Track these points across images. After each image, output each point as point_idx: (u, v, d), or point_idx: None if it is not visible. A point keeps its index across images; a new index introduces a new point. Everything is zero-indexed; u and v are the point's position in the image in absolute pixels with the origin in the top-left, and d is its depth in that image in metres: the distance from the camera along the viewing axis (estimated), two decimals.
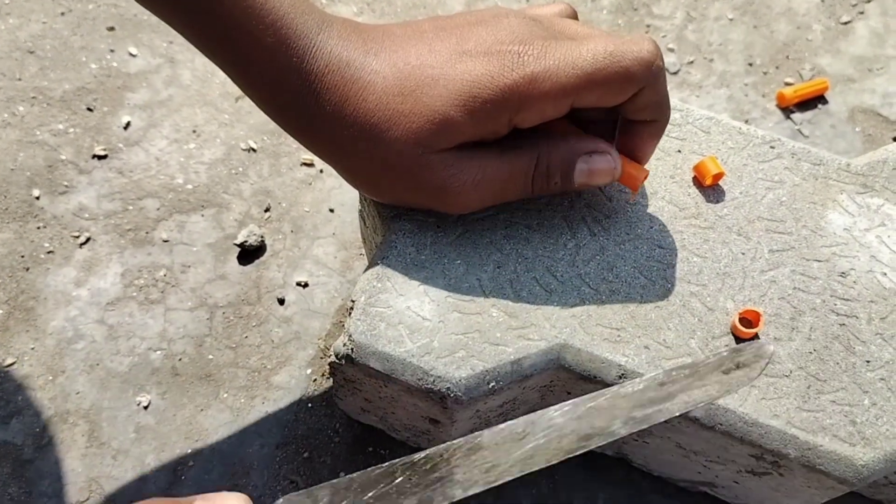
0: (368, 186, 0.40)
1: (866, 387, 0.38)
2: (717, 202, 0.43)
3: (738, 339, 0.39)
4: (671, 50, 0.68)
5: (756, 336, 0.39)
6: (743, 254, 0.42)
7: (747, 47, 0.68)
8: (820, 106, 0.65)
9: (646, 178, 0.39)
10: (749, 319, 0.39)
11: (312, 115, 0.36)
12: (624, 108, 0.38)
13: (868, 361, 0.39)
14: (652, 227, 0.42)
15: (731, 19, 0.69)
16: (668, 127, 0.45)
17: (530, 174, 0.38)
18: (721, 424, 0.38)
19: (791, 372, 0.39)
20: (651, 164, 0.43)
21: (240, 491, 0.48)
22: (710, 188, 0.43)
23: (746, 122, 0.64)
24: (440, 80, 0.35)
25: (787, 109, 0.65)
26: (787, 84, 0.66)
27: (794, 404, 0.38)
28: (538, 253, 0.41)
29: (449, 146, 0.36)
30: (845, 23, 0.70)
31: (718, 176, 0.43)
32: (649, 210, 0.42)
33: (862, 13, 0.70)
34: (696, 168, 0.43)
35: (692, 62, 0.67)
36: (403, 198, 0.39)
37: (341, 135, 0.36)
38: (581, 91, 0.35)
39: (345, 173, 0.40)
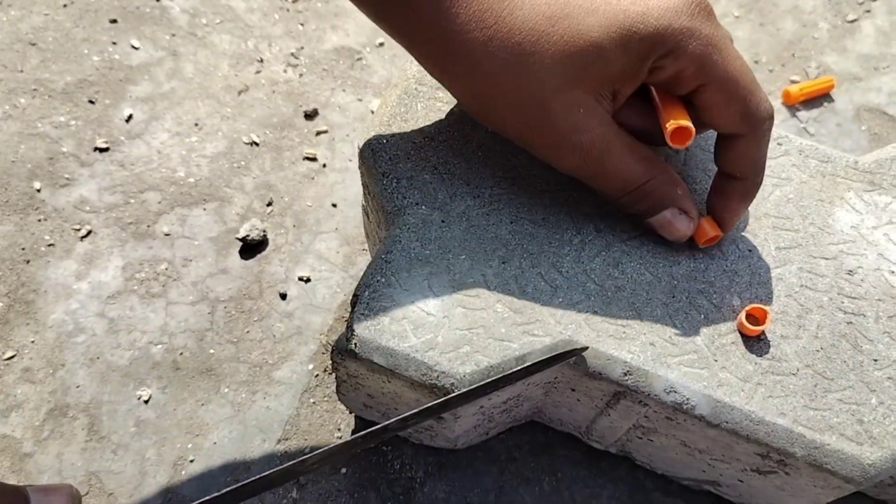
0: (486, 110, 0.36)
1: (874, 385, 0.38)
2: None
3: (745, 337, 0.39)
4: None
5: (763, 334, 0.39)
6: (750, 251, 0.41)
7: (753, 45, 0.68)
8: (826, 104, 0.65)
9: (716, 239, 0.40)
10: (756, 317, 0.39)
11: (446, 23, 0.33)
12: (723, 157, 0.38)
13: (875, 360, 0.39)
14: None
15: (736, 17, 0.69)
16: None
17: (633, 185, 0.37)
18: (727, 422, 0.37)
19: (798, 370, 0.38)
20: None
21: None
22: (705, 247, 0.41)
23: None
24: (599, 8, 0.33)
25: (792, 107, 0.65)
26: (793, 82, 0.66)
27: (800, 402, 0.37)
28: (543, 249, 0.40)
29: (592, 84, 0.34)
30: (852, 21, 0.69)
31: (714, 238, 0.40)
32: None
33: (868, 11, 0.70)
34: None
35: None
36: (514, 129, 0.36)
37: (479, 50, 0.33)
38: (719, 77, 0.34)
39: (466, 95, 0.36)
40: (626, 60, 0.34)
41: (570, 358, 0.37)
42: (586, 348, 0.37)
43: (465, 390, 0.35)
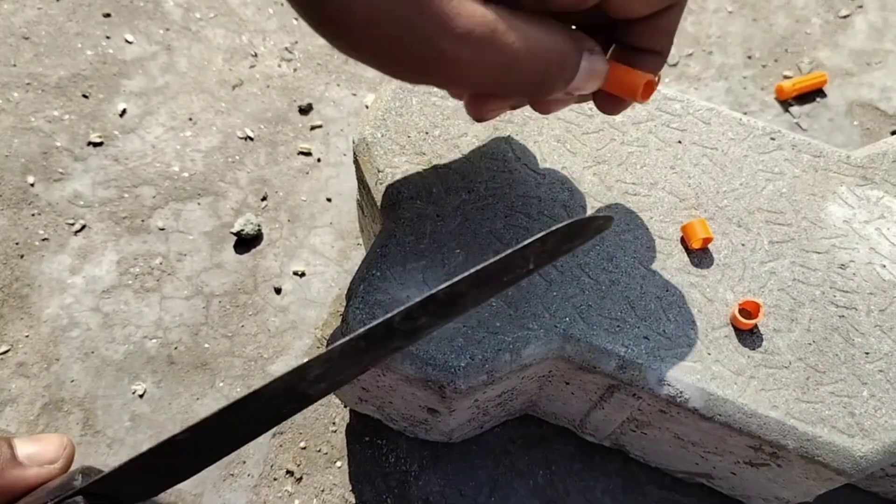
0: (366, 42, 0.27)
1: (865, 378, 0.38)
2: (718, 192, 0.43)
3: (738, 331, 0.39)
4: None
5: (756, 327, 0.39)
6: (743, 245, 0.41)
7: (746, 40, 0.68)
8: (818, 99, 0.65)
9: (652, 84, 0.33)
10: (749, 310, 0.39)
11: None
12: (641, 33, 0.32)
13: (867, 353, 0.39)
14: (651, 218, 0.42)
15: (730, 12, 0.69)
16: (669, 118, 0.45)
17: (553, 61, 0.29)
18: (720, 415, 0.37)
19: (790, 363, 0.38)
20: (651, 155, 0.43)
21: (236, 480, 0.48)
22: (697, 251, 0.41)
23: (745, 114, 0.64)
24: None
25: (785, 102, 0.65)
26: (786, 77, 0.66)
27: (793, 395, 0.38)
28: None
29: None
30: (844, 17, 0.69)
31: (707, 240, 0.40)
32: (649, 200, 0.42)
33: (861, 7, 0.70)
34: (685, 229, 0.41)
35: (691, 54, 0.67)
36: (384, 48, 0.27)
37: None
38: None
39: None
40: None
41: (592, 232, 0.30)
42: (610, 218, 0.30)
43: (473, 270, 0.27)
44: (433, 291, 0.27)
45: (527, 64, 0.29)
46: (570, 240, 0.30)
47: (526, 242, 0.28)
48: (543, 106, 0.34)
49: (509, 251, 0.28)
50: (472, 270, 0.27)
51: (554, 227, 0.29)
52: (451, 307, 0.28)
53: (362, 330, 0.26)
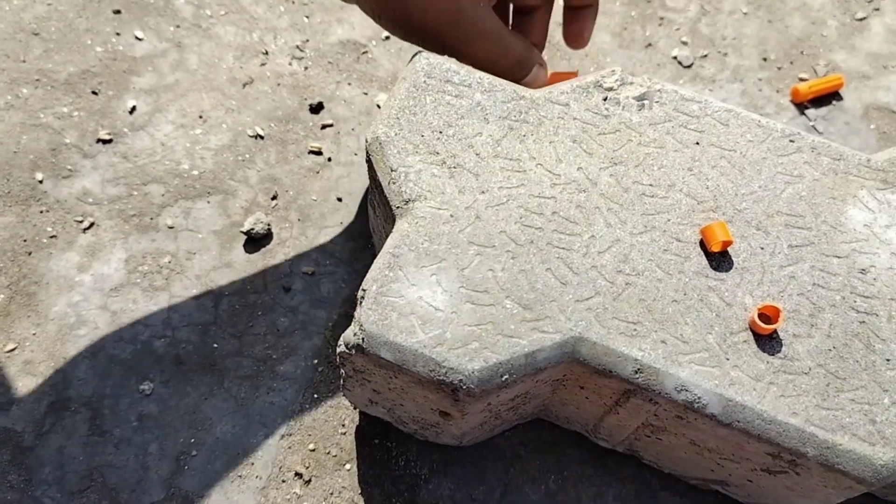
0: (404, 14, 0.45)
1: (886, 385, 0.38)
2: (736, 195, 0.42)
3: (757, 336, 0.38)
4: (684, 43, 0.67)
5: (775, 332, 0.38)
6: (762, 248, 0.41)
7: (761, 42, 0.67)
8: (834, 102, 0.65)
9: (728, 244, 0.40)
10: (768, 315, 0.38)
11: None
12: None
13: (888, 360, 0.38)
14: (669, 220, 0.41)
15: (745, 13, 0.69)
16: (686, 119, 0.44)
17: (520, 59, 0.47)
18: (738, 421, 0.37)
19: (810, 369, 0.38)
20: (668, 156, 0.43)
21: (244, 482, 0.47)
22: (716, 254, 0.40)
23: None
24: None
25: (801, 105, 0.64)
26: (802, 79, 0.66)
27: (812, 402, 0.37)
28: (553, 244, 0.40)
29: None
30: (860, 19, 0.69)
31: (727, 243, 0.40)
32: (666, 202, 0.42)
33: (877, 9, 0.69)
34: (704, 232, 0.40)
35: (706, 56, 0.66)
36: (432, 29, 0.45)
37: None
38: None
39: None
40: None
41: None
42: None
43: None
44: None
45: (509, 56, 0.46)
46: None
47: None
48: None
49: None
50: None
51: None
52: None
53: None
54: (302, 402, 0.51)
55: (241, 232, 0.55)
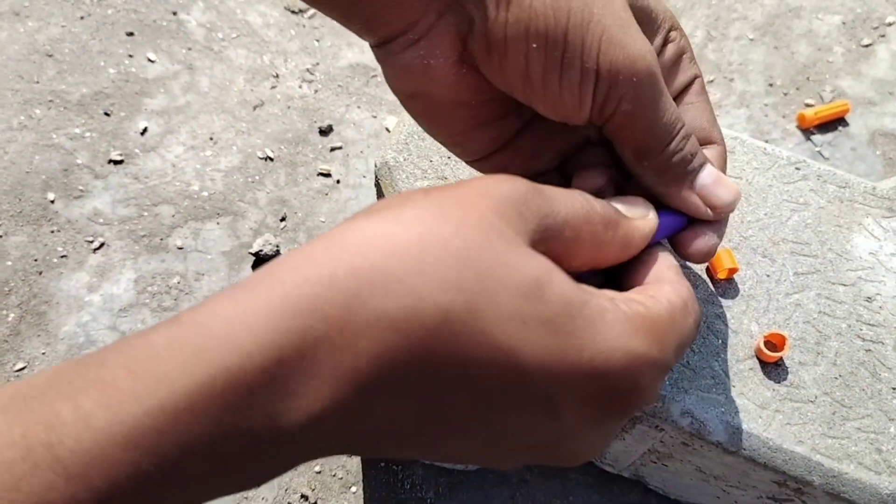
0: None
1: (892, 414, 0.38)
2: (742, 223, 0.42)
3: (763, 363, 0.38)
4: None
5: (781, 360, 0.38)
6: (768, 276, 0.41)
7: (768, 68, 0.68)
8: (840, 128, 0.65)
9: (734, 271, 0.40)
10: (774, 343, 0.39)
11: None
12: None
13: (894, 388, 0.38)
14: None
15: (751, 39, 0.69)
16: None
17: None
18: (744, 449, 0.37)
19: (816, 397, 0.38)
20: None
21: None
22: (722, 281, 0.40)
23: (766, 142, 0.64)
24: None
25: (807, 131, 0.65)
26: (808, 105, 0.66)
27: (819, 430, 0.37)
28: None
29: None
30: (866, 45, 0.69)
31: (733, 271, 0.39)
32: None
33: (883, 36, 0.70)
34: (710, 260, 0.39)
35: (712, 81, 0.67)
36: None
37: None
38: None
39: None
40: None
41: None
42: None
43: None
44: None
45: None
46: None
47: None
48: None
49: None
50: None
51: None
52: None
53: None
54: None
55: (250, 253, 0.56)
